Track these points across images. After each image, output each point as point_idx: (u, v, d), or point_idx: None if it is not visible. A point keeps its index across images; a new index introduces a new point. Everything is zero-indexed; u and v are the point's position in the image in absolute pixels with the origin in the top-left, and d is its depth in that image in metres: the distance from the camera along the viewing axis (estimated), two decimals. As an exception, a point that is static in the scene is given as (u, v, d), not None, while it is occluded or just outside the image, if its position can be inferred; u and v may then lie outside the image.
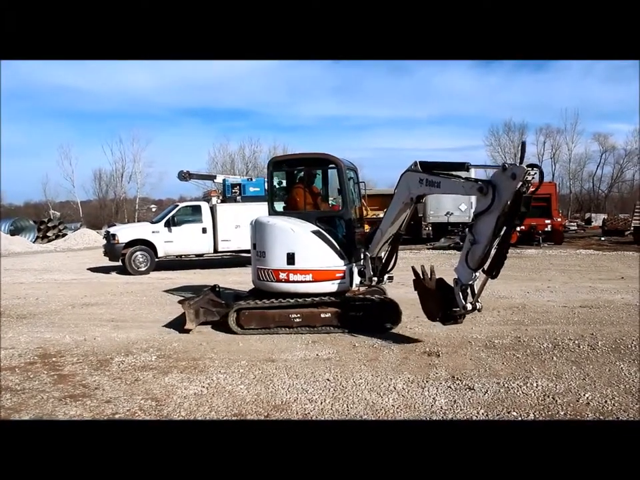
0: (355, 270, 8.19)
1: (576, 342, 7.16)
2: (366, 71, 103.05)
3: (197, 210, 16.49)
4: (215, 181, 20.03)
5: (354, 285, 8.22)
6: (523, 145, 6.58)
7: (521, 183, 5.89)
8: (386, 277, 8.25)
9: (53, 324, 9.01)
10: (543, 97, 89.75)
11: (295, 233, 8.01)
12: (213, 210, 16.39)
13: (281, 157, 9.06)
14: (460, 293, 6.61)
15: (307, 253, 8.01)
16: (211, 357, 6.83)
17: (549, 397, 5.26)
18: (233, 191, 16.76)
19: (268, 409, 5.09)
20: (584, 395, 5.26)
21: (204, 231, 16.17)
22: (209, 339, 7.78)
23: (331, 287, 8.06)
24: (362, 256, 8.26)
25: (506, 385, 5.58)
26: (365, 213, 9.32)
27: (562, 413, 4.86)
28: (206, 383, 5.86)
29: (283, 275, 8.04)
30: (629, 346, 6.94)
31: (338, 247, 8.12)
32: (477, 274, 6.56)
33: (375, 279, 8.16)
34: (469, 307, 6.61)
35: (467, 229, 6.55)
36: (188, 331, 8.05)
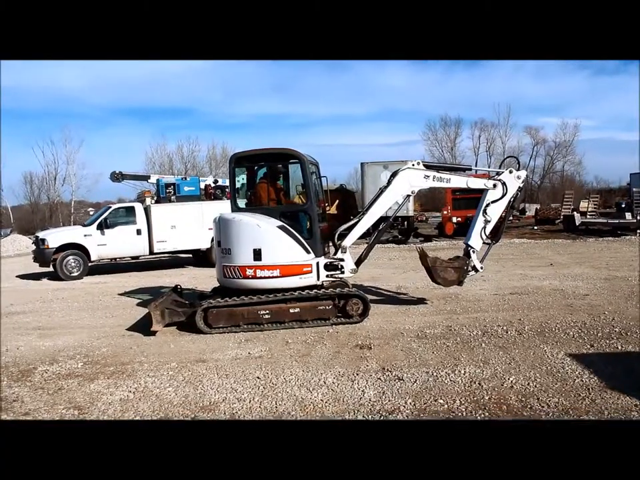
0: (322, 263, 8.23)
1: (504, 328, 7.36)
2: (304, 69, 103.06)
3: (130, 211, 15.98)
4: (149, 181, 19.60)
5: (321, 279, 8.27)
6: (517, 158, 10.24)
7: (522, 182, 9.18)
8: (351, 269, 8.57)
9: (-26, 335, 8.54)
10: (476, 92, 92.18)
11: (261, 229, 7.92)
12: (147, 211, 15.92)
13: (242, 153, 8.66)
14: (477, 259, 8.95)
15: (274, 248, 7.95)
16: (140, 361, 6.64)
17: (475, 382, 5.37)
18: (167, 191, 16.37)
19: (195, 411, 4.98)
20: (508, 379, 5.41)
21: (138, 232, 15.71)
22: (139, 342, 7.56)
23: (299, 281, 8.05)
24: (339, 249, 8.42)
25: (434, 374, 5.66)
26: (327, 207, 9.34)
27: (487, 398, 4.96)
28: (133, 387, 5.68)
29: (250, 272, 7.92)
30: (553, 329, 7.19)
31: (304, 242, 8.11)
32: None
33: (356, 268, 8.58)
34: (482, 267, 9.10)
35: (480, 212, 9.08)
36: (154, 333, 7.84)
